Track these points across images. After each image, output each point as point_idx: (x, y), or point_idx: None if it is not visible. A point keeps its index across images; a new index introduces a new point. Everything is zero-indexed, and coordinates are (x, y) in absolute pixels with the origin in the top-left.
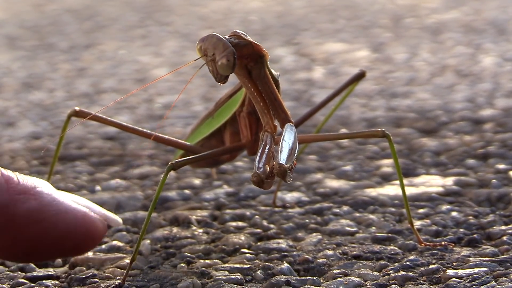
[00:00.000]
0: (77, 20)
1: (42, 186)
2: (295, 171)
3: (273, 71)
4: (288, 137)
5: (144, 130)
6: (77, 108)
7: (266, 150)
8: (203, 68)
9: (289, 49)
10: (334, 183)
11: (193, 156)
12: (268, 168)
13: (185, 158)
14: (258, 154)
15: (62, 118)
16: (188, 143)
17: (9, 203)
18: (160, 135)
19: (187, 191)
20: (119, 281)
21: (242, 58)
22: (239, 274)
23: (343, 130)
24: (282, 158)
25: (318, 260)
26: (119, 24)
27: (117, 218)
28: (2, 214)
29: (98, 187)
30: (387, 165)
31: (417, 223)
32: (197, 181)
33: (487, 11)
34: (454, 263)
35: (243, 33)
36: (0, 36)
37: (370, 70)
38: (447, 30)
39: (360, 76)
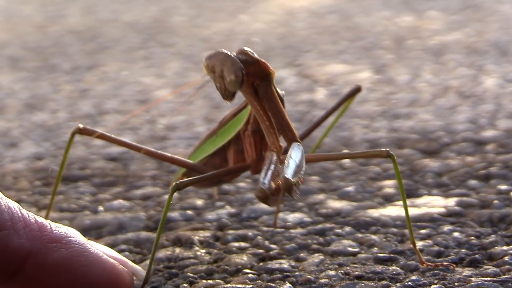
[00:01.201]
0: (79, 42)
1: (74, 235)
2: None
3: (278, 89)
4: (295, 154)
5: (147, 148)
6: (81, 126)
7: (272, 168)
8: (206, 89)
9: (292, 71)
10: (336, 204)
11: (198, 176)
12: (273, 185)
13: (189, 179)
14: (264, 171)
15: (65, 138)
16: (191, 161)
17: (41, 251)
18: (163, 153)
19: (189, 212)
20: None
21: (249, 76)
22: None
23: (346, 151)
24: (289, 172)
25: (320, 281)
26: (121, 45)
27: (144, 273)
28: (34, 261)
29: (100, 208)
30: (389, 186)
31: (419, 244)
32: (199, 202)
33: (489, 32)
34: (456, 283)
35: (251, 50)
36: (3, 57)
37: (372, 91)
38: (449, 51)
39: (355, 91)
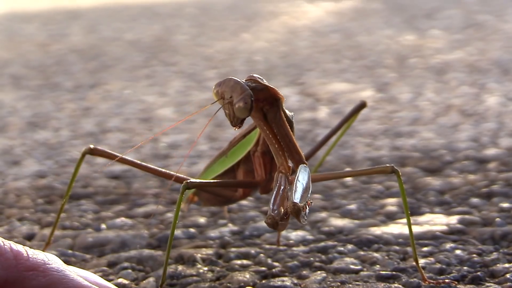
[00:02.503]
0: (82, 60)
1: (52, 262)
2: None
3: (287, 111)
4: (302, 177)
5: (161, 169)
6: (91, 146)
7: (280, 192)
8: (209, 109)
9: (294, 89)
10: (338, 222)
11: (208, 181)
12: (282, 210)
13: (199, 180)
14: (273, 197)
15: (68, 157)
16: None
17: (18, 279)
18: (177, 174)
19: (192, 230)
20: None
21: (258, 102)
22: None
23: (349, 169)
24: (296, 197)
25: None
26: (124, 64)
27: None
28: None
29: (103, 226)
30: (391, 204)
31: (421, 261)
32: (202, 220)
33: (491, 51)
34: None
35: (259, 77)
36: (5, 75)
37: (374, 110)
38: (451, 70)
39: (361, 107)
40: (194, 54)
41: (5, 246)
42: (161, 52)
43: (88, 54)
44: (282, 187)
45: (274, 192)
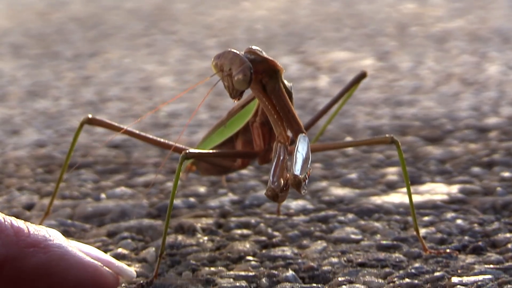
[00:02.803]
0: (82, 29)
1: (54, 238)
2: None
3: (286, 82)
4: (302, 148)
5: (162, 140)
6: (90, 116)
7: (280, 163)
8: (210, 79)
9: (294, 58)
10: (339, 191)
11: (207, 151)
12: (282, 181)
13: (198, 150)
14: (272, 168)
15: (67, 126)
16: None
17: (18, 256)
18: (177, 145)
19: (192, 199)
20: (149, 279)
21: (257, 74)
22: (244, 281)
23: (349, 139)
24: (297, 169)
25: (323, 268)
26: (124, 32)
27: (131, 271)
28: (10, 267)
29: (103, 195)
30: (392, 173)
31: (422, 231)
32: (202, 189)
33: (492, 19)
34: (459, 271)
35: (259, 49)
36: (5, 44)
37: (375, 79)
38: (452, 38)
39: (361, 77)
40: (194, 23)
41: (6, 223)
42: (161, 20)
43: (88, 23)
44: (281, 158)
45: (274, 164)
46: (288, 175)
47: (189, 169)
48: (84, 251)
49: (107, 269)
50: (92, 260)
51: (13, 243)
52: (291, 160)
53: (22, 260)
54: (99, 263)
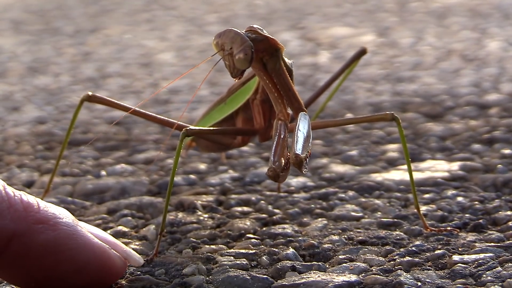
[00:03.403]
0: (82, 5)
1: (63, 216)
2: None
3: (286, 59)
4: (303, 126)
5: (162, 117)
6: (90, 93)
7: (280, 141)
8: (210, 56)
9: (295, 34)
10: (339, 168)
11: (207, 128)
12: (283, 160)
13: (198, 128)
14: (273, 147)
15: (68, 102)
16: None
17: (26, 232)
18: (180, 122)
19: (192, 176)
20: (149, 257)
21: (258, 52)
22: (244, 259)
23: (349, 115)
24: (298, 148)
25: (324, 246)
26: (124, 8)
27: (139, 258)
28: (18, 243)
29: (103, 172)
30: (392, 150)
31: (423, 208)
32: (202, 166)
33: None
34: (459, 249)
35: (259, 27)
36: (5, 20)
37: (375, 55)
38: (452, 14)
39: (361, 54)
40: None
41: (16, 197)
42: None
43: None
44: (282, 136)
45: (274, 143)
46: (289, 154)
47: (189, 146)
48: (92, 232)
49: (115, 252)
50: (100, 242)
51: (22, 219)
52: (292, 138)
53: (30, 236)
54: (107, 246)
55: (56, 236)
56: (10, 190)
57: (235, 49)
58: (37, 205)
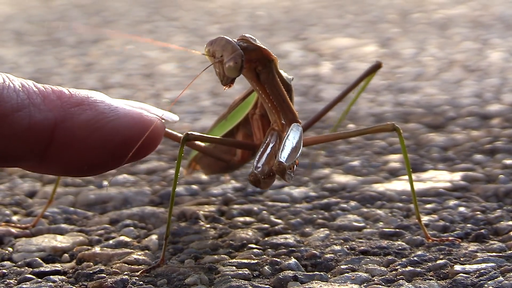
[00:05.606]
0: (84, 15)
1: (95, 95)
2: (302, 167)
3: (286, 74)
4: (293, 136)
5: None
6: None
7: (269, 150)
8: (210, 64)
9: (297, 44)
10: (341, 178)
11: (208, 135)
12: (267, 168)
13: (199, 133)
14: (258, 154)
15: None
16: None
17: (66, 117)
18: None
19: (194, 187)
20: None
21: (250, 62)
22: (246, 269)
23: (351, 126)
24: (283, 156)
25: (326, 256)
26: (126, 19)
27: (174, 115)
28: (62, 129)
29: (105, 183)
30: (394, 160)
31: (425, 218)
32: (204, 177)
33: (494, 6)
34: (461, 259)
35: (252, 37)
36: (7, 31)
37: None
38: (454, 25)
39: (376, 68)
40: (197, 9)
41: (47, 90)
42: (163, 7)
43: (90, 10)
44: (271, 145)
45: (261, 150)
46: (274, 162)
47: (193, 168)
48: (125, 102)
49: (151, 114)
50: (136, 108)
51: (59, 106)
52: (279, 146)
53: (71, 119)
54: (144, 110)
55: (94, 113)
56: (40, 85)
57: (226, 57)
58: (68, 92)
